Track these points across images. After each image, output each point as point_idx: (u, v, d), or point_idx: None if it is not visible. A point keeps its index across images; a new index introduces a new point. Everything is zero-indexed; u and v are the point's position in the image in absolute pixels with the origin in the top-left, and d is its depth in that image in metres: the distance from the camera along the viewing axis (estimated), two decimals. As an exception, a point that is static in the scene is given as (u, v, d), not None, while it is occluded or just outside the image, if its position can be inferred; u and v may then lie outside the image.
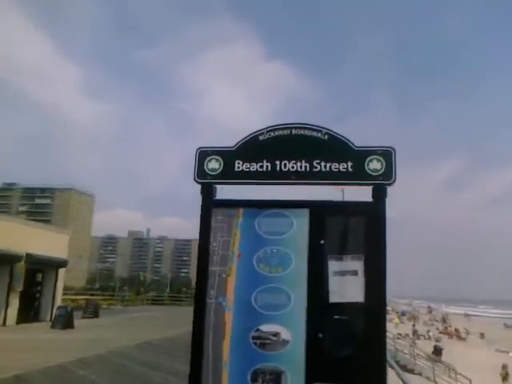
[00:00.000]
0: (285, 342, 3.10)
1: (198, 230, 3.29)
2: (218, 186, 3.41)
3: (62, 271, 22.58)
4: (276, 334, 3.11)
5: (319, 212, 3.26)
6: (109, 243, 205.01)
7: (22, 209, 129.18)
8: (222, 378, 3.10)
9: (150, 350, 12.78)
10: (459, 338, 52.07)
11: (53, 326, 17.67)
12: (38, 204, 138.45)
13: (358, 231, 3.22)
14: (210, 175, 3.37)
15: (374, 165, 3.29)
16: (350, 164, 3.31)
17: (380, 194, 3.24)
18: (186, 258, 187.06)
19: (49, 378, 8.57)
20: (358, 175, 3.29)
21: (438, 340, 43.71)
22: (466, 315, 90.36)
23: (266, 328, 3.13)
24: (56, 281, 22.11)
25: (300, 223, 3.25)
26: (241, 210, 3.32)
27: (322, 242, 3.20)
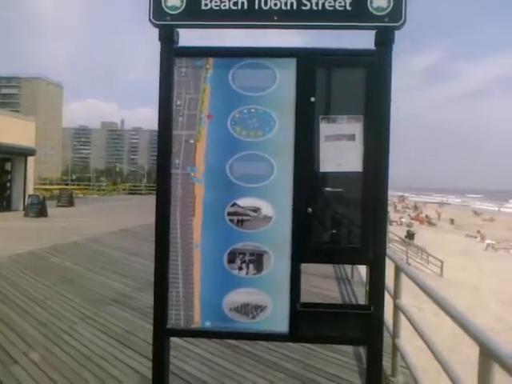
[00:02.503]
0: (267, 219, 2.62)
1: (158, 87, 2.64)
2: (180, 31, 2.69)
3: (31, 160, 21.79)
4: (256, 210, 2.63)
5: (309, 62, 2.61)
6: (82, 135, 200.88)
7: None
8: (193, 259, 2.66)
9: (126, 236, 12.63)
10: (430, 223, 54.47)
11: (26, 215, 17.36)
12: (5, 94, 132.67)
13: (356, 86, 2.61)
14: (170, 15, 2.62)
15: (379, 1, 2.59)
16: (348, 1, 2.60)
17: (385, 39, 2.59)
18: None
19: (18, 265, 8.28)
20: (359, 15, 2.60)
21: (409, 226, 45.60)
22: (438, 203, 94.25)
23: (243, 202, 2.63)
24: (26, 170, 21.41)
25: (285, 76, 2.62)
26: (210, 60, 2.64)
27: (313, 99, 2.60)
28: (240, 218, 2.64)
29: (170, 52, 2.62)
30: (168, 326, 2.67)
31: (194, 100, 2.64)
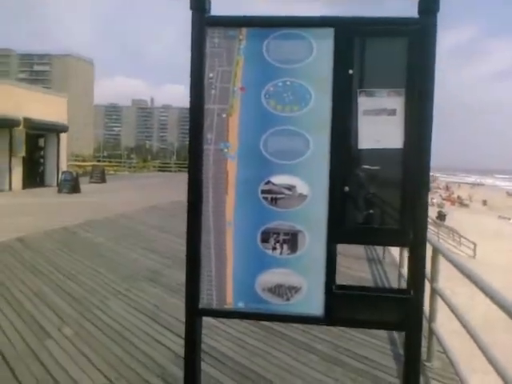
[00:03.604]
0: (302, 197, 2.52)
1: (190, 58, 2.53)
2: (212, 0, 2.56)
3: (63, 136, 22.14)
4: (291, 188, 2.52)
5: (348, 32, 2.45)
6: (113, 112, 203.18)
7: (21, 76, 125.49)
8: (225, 237, 2.59)
9: (157, 213, 12.73)
10: (462, 204, 53.27)
11: (59, 191, 17.73)
12: (37, 71, 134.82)
13: (398, 58, 2.44)
14: (203, -18, 2.50)
15: (424, -35, 2.40)
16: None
17: (430, 6, 2.40)
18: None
19: (53, 240, 8.45)
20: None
21: (440, 206, 44.73)
22: (470, 184, 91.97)
23: (278, 180, 2.52)
24: (59, 146, 21.78)
25: (322, 47, 2.47)
26: (243, 31, 2.51)
27: (351, 71, 2.45)
28: (274, 196, 2.53)
29: (202, 21, 2.50)
30: (200, 306, 2.62)
31: (227, 72, 2.52)
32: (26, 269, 6.44)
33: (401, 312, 2.48)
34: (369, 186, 2.51)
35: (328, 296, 2.56)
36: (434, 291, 3.66)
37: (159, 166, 47.80)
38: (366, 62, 2.48)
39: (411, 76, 2.42)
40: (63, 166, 21.77)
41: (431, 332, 3.70)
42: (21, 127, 18.61)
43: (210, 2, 2.55)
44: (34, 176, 20.73)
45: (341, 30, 2.45)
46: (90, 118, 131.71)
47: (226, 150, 2.54)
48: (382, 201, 2.52)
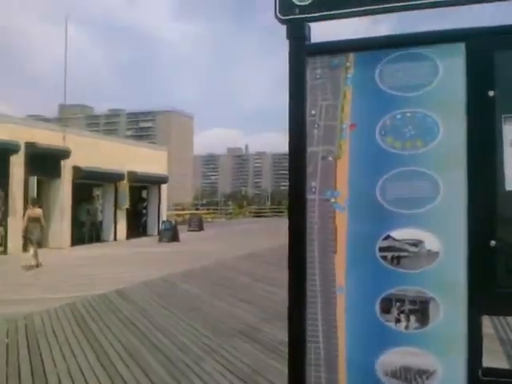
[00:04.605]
0: (432, 255, 1.97)
1: (288, 94, 2.17)
2: (311, 25, 2.20)
3: (164, 187, 23.10)
4: (417, 243, 1.99)
5: (483, 45, 1.94)
6: (210, 161, 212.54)
7: (128, 133, 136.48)
8: (336, 306, 2.10)
9: (253, 261, 12.47)
10: None
11: (160, 240, 18.28)
12: (142, 127, 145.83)
13: (553, 71, 1.89)
14: (299, 7, 2.15)
15: None
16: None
17: None
18: (284, 172, 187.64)
19: (149, 291, 8.42)
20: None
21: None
22: None
23: (400, 234, 2.01)
24: (160, 196, 22.73)
25: (450, 67, 1.99)
26: (351, 56, 2.11)
27: (492, 93, 1.92)
28: (396, 254, 2.02)
29: (301, 50, 2.14)
30: (307, 391, 2.13)
31: (332, 107, 2.11)
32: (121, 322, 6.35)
33: None
34: (525, 240, 1.91)
35: (472, 383, 1.95)
36: None
37: (255, 212, 48.38)
38: (511, 80, 1.94)
39: None
40: (164, 216, 22.61)
41: None
42: (125, 181, 19.69)
43: (309, 28, 2.19)
44: (136, 226, 21.72)
45: (474, 44, 1.95)
46: (190, 168, 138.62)
47: (333, 200, 2.09)
48: (545, 258, 1.91)
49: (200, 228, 24.21)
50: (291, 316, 2.12)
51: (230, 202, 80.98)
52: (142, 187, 22.51)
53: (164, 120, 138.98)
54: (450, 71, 1.98)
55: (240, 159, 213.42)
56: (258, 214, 45.39)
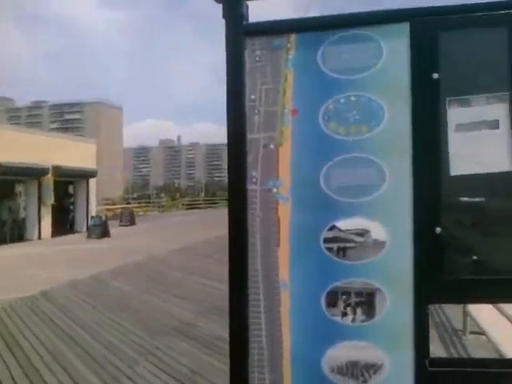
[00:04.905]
0: (379, 245, 1.90)
1: (226, 78, 2.00)
2: (249, 3, 2.04)
3: (92, 181, 22.24)
4: (363, 233, 1.91)
5: (428, 26, 1.88)
6: (141, 154, 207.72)
7: (52, 126, 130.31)
8: (280, 303, 1.98)
9: (187, 254, 12.25)
10: None
11: (89, 236, 17.58)
12: (68, 119, 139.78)
13: (498, 54, 1.86)
14: (236, -18, 1.99)
15: None
16: None
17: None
18: (218, 163, 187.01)
19: (76, 292, 7.99)
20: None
21: None
22: None
23: (346, 224, 1.92)
24: (88, 191, 21.88)
25: (394, 49, 1.91)
26: (292, 37, 1.98)
27: (436, 76, 1.86)
28: (341, 245, 1.93)
29: (239, 30, 1.98)
30: (250, 393, 1.99)
31: (273, 91, 1.97)
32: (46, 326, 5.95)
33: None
34: (470, 225, 1.88)
35: (419, 375, 1.89)
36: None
37: (188, 204, 47.84)
38: (456, 63, 1.89)
39: (516, 75, 1.83)
40: (93, 211, 21.79)
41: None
42: (49, 175, 18.73)
43: (247, 7, 2.02)
44: (63, 223, 20.85)
45: (419, 24, 1.88)
46: (120, 161, 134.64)
47: (275, 190, 1.96)
48: (491, 243, 1.89)
49: (132, 222, 23.56)
50: (232, 315, 1.97)
51: (162, 195, 79.58)
52: (69, 182, 21.58)
53: (92, 112, 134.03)
54: (394, 53, 1.90)
55: (172, 150, 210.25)
56: (191, 206, 44.84)
